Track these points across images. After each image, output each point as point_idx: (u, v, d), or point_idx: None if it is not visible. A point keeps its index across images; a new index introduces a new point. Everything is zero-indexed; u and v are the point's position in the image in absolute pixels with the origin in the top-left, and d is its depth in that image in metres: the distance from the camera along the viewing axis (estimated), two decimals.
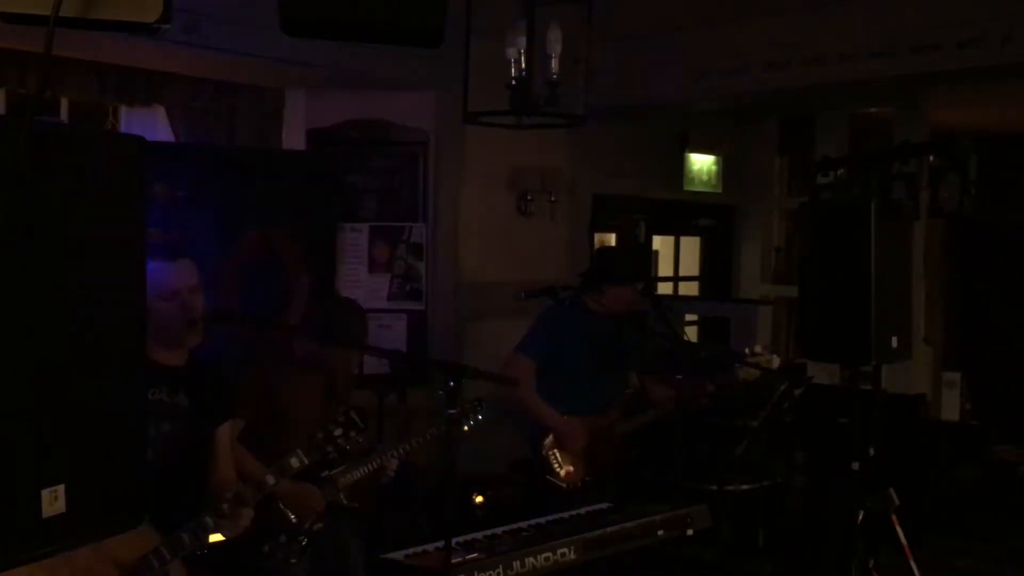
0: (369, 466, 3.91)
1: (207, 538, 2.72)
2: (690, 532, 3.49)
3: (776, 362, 4.39)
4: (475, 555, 2.96)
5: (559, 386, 4.43)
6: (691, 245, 8.51)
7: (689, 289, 8.45)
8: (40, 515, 1.58)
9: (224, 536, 2.78)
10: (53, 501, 1.59)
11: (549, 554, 3.04)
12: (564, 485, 4.33)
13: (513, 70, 3.52)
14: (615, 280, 4.44)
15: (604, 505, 3.72)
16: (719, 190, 8.33)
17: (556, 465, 4.38)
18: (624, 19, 5.61)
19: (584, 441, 4.38)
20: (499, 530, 3.31)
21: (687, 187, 8.03)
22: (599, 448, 4.43)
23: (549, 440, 4.39)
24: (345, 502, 3.90)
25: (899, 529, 4.02)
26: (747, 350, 4.33)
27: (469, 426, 4.06)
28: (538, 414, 4.42)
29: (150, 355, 2.90)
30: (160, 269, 2.86)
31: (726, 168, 8.31)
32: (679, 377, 4.01)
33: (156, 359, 2.92)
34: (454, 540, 2.90)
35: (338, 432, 2.96)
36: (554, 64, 3.56)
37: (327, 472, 3.83)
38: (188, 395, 2.98)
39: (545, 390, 4.46)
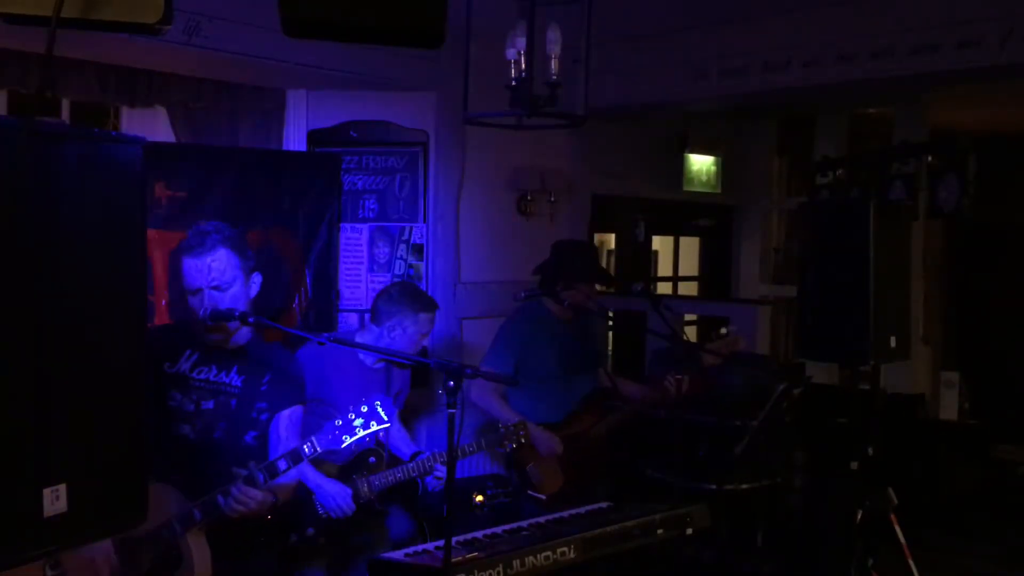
0: (408, 473, 3.91)
1: (218, 516, 2.78)
2: (689, 531, 3.49)
3: (741, 343, 4.37)
4: (475, 555, 2.96)
5: (530, 393, 4.38)
6: (690, 245, 8.52)
7: (688, 289, 8.46)
8: (42, 514, 1.58)
9: (234, 516, 2.80)
10: (55, 500, 1.60)
11: (549, 553, 3.05)
12: (544, 497, 4.31)
13: (513, 71, 3.52)
14: (579, 278, 4.37)
15: (604, 505, 3.72)
16: (718, 190, 8.33)
17: (535, 478, 4.35)
18: (624, 19, 5.62)
19: (561, 450, 4.35)
20: (499, 530, 3.32)
21: (686, 187, 8.03)
22: (576, 454, 4.40)
23: (524, 454, 4.35)
24: (378, 506, 3.90)
25: (898, 529, 4.03)
26: (712, 333, 4.33)
27: (510, 449, 4.09)
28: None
29: (203, 337, 3.00)
30: (189, 266, 2.96)
31: (725, 169, 8.31)
32: (678, 377, 4.01)
33: (207, 340, 3.01)
34: (454, 540, 2.91)
35: (357, 422, 2.92)
36: (554, 65, 3.56)
37: (365, 473, 3.84)
38: (241, 375, 3.02)
39: (516, 398, 4.42)
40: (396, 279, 5.75)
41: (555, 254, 4.56)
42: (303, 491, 3.72)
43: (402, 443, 4.16)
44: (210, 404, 2.96)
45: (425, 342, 4.12)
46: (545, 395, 4.42)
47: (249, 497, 2.78)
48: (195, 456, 2.91)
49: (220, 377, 3.00)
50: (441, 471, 3.90)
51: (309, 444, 2.90)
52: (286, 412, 3.08)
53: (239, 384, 3.01)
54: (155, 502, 2.62)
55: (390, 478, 3.88)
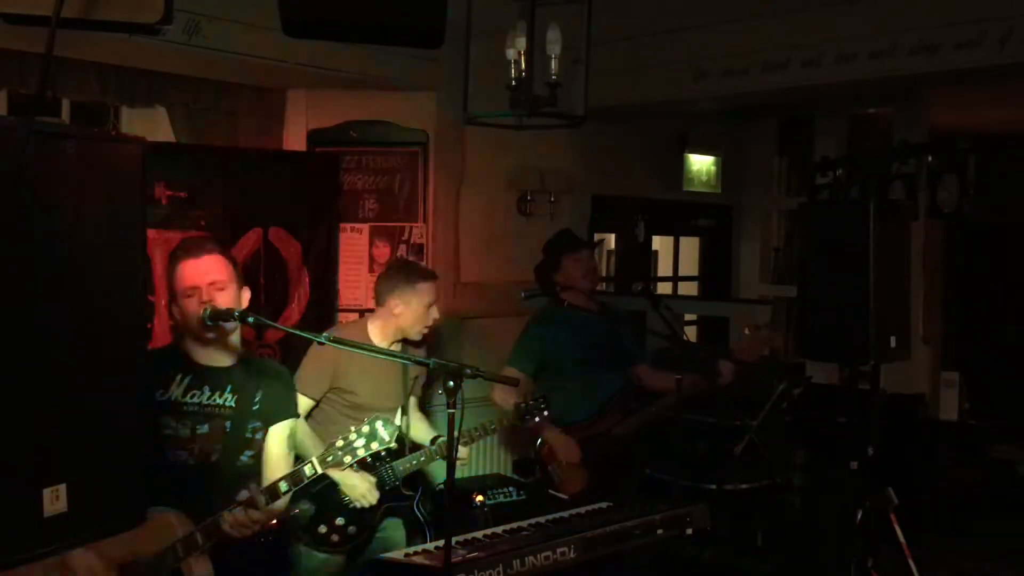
0: (432, 456, 3.95)
1: (220, 538, 2.73)
2: (689, 531, 3.49)
3: (777, 341, 4.39)
4: (475, 554, 2.96)
5: (556, 390, 4.40)
6: (690, 245, 8.52)
7: (688, 289, 8.46)
8: (41, 514, 1.58)
9: (237, 537, 2.77)
10: (54, 500, 1.60)
11: (549, 553, 3.05)
12: (567, 497, 4.32)
13: (513, 71, 3.52)
14: (565, 248, 4.54)
15: (604, 504, 3.72)
16: (718, 190, 8.33)
17: (556, 479, 4.37)
18: (624, 19, 5.62)
19: (579, 455, 4.36)
20: (499, 529, 3.32)
21: (686, 187, 8.03)
22: (601, 453, 4.41)
23: (548, 454, 4.39)
24: (404, 491, 3.95)
25: (898, 528, 4.03)
26: (745, 330, 4.36)
27: (534, 423, 4.17)
28: (535, 428, 4.41)
29: (193, 357, 2.98)
30: (185, 267, 2.94)
31: (725, 168, 8.31)
32: (679, 377, 4.01)
33: (198, 361, 2.98)
34: (454, 540, 2.90)
35: (359, 443, 2.88)
36: (554, 65, 3.57)
37: (387, 460, 3.87)
38: (234, 394, 2.99)
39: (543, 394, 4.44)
40: None
41: (544, 249, 4.74)
42: (330, 482, 3.79)
43: (421, 430, 4.19)
44: (205, 428, 2.93)
45: (435, 314, 4.02)
46: (570, 392, 4.44)
47: (252, 520, 2.77)
48: (194, 480, 2.88)
49: (213, 399, 2.96)
50: (462, 452, 3.95)
51: (311, 465, 2.87)
52: (278, 427, 3.07)
53: (232, 404, 2.98)
54: (159, 527, 2.65)
55: (413, 462, 3.92)
